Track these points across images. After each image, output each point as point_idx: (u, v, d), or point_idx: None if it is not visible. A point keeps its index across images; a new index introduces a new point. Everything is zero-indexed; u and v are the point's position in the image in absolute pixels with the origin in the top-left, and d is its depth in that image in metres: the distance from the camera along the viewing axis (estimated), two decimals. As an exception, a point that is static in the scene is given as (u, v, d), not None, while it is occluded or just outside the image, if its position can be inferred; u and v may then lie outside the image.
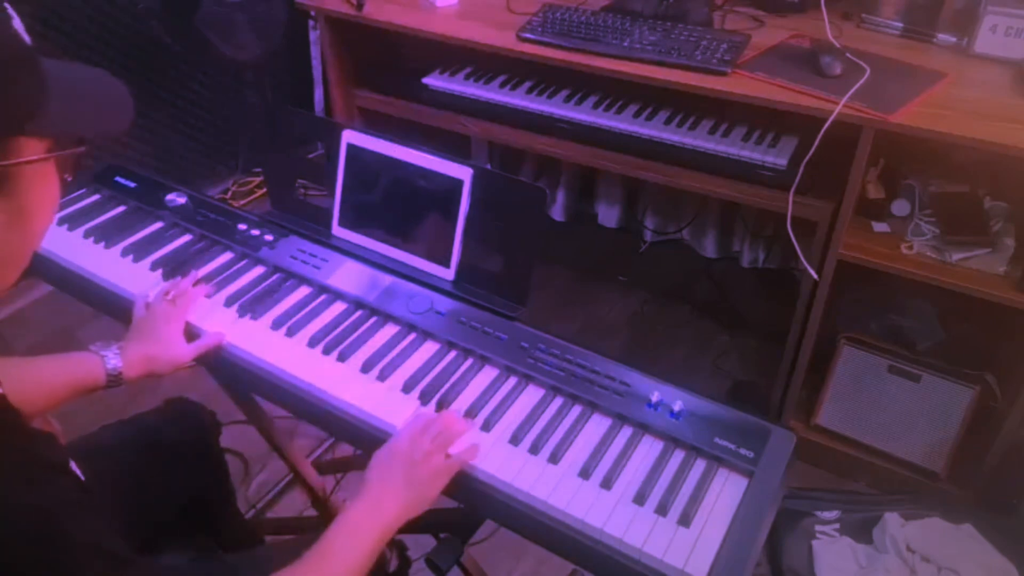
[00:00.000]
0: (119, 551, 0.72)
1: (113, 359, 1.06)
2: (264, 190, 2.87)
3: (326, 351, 1.10)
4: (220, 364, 1.14)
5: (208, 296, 1.19)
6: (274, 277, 1.23)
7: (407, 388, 1.05)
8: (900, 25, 1.81)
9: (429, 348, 1.11)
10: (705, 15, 1.88)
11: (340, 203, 1.27)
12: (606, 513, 0.89)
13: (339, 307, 1.18)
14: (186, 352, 1.10)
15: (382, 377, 1.06)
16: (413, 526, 0.94)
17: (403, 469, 0.92)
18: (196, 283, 1.19)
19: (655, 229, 2.70)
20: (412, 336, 1.12)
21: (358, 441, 1.06)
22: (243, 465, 1.98)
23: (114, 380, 1.06)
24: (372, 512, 0.90)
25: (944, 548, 1.58)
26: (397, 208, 1.23)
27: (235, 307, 1.17)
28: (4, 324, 2.36)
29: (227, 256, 1.28)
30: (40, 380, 1.03)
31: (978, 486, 1.75)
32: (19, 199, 0.68)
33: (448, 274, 1.20)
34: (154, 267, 1.25)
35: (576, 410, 1.02)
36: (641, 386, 1.02)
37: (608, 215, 2.77)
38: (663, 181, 1.84)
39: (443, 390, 1.04)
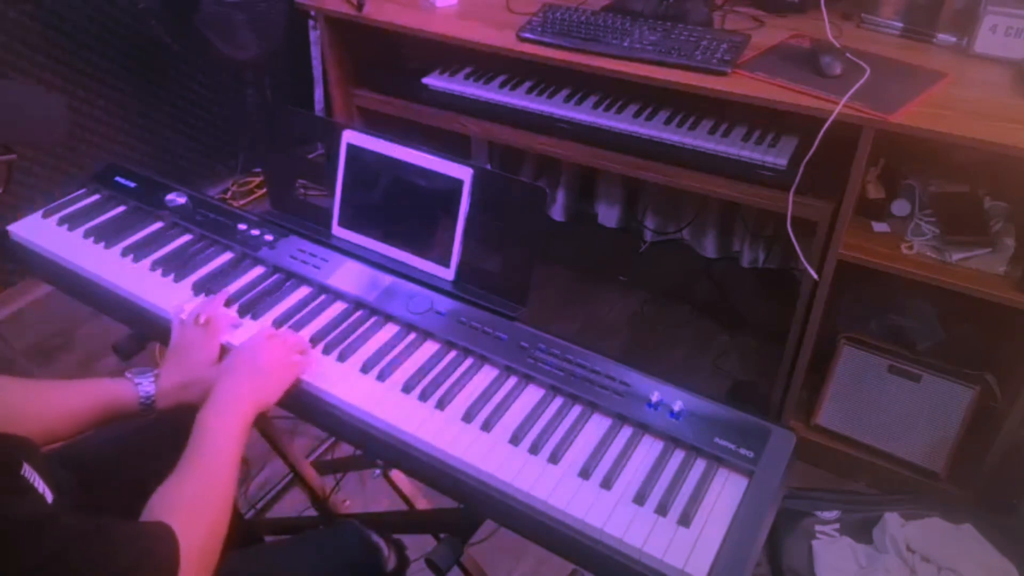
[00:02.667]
0: (34, 516, 0.72)
1: (147, 386, 1.04)
2: (264, 190, 2.87)
3: (326, 351, 1.10)
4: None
5: (235, 326, 1.15)
6: (274, 277, 1.23)
7: (407, 388, 1.04)
8: (900, 25, 1.81)
9: (429, 348, 1.11)
10: (705, 15, 1.88)
11: (340, 203, 1.27)
12: (606, 513, 0.89)
13: (339, 307, 1.18)
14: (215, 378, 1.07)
15: (382, 377, 1.06)
16: (413, 526, 0.94)
17: (248, 368, 1.00)
18: (227, 303, 1.17)
19: (655, 229, 2.70)
20: (412, 336, 1.12)
21: (358, 441, 1.06)
22: (243, 465, 1.98)
23: (146, 407, 1.04)
24: (226, 411, 0.96)
25: (944, 548, 1.58)
26: (397, 208, 1.23)
27: (235, 307, 1.17)
28: (4, 324, 2.37)
29: (227, 256, 1.28)
30: (68, 406, 1.02)
31: (978, 486, 1.75)
32: None
33: (448, 274, 1.20)
34: (154, 267, 1.25)
35: (576, 410, 1.02)
36: (641, 386, 1.02)
37: (608, 215, 2.78)
38: (663, 181, 1.84)
39: (443, 390, 1.04)
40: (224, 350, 1.11)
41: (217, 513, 0.88)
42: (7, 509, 0.71)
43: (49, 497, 0.79)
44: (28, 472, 0.77)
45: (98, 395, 1.03)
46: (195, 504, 0.86)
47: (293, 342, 1.07)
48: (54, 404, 1.02)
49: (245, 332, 1.14)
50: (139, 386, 1.04)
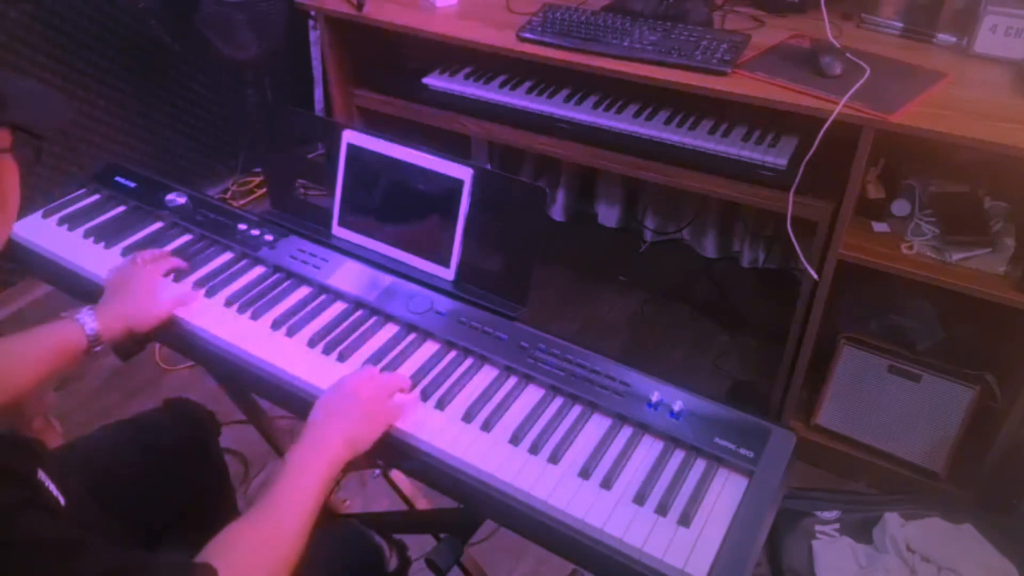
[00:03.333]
0: (68, 538, 0.71)
1: (90, 322, 1.07)
2: (264, 190, 2.87)
3: (326, 351, 1.10)
4: (220, 364, 1.14)
5: (176, 278, 1.20)
6: (274, 277, 1.23)
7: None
8: (900, 25, 1.81)
9: (429, 348, 1.11)
10: (705, 15, 1.88)
11: (340, 203, 1.27)
12: (606, 513, 0.89)
13: (339, 307, 1.18)
14: (163, 304, 1.11)
15: (382, 377, 1.06)
16: (413, 526, 0.94)
17: (346, 407, 0.95)
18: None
19: (655, 229, 2.70)
20: (412, 336, 1.12)
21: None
22: (243, 465, 1.98)
23: (94, 342, 1.07)
24: (316, 449, 0.92)
25: (944, 548, 1.58)
26: (397, 208, 1.23)
27: (235, 307, 1.17)
28: (4, 324, 2.36)
29: (227, 256, 1.28)
30: (20, 355, 1.04)
31: (978, 486, 1.75)
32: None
33: (448, 274, 1.20)
34: (154, 267, 1.25)
35: (576, 410, 1.02)
36: (641, 386, 1.02)
37: (608, 215, 2.78)
38: (663, 181, 1.84)
39: (443, 390, 1.04)
40: (184, 329, 1.14)
41: (281, 559, 0.83)
42: (35, 527, 0.70)
43: (62, 501, 0.80)
44: (42, 476, 0.77)
45: (48, 340, 1.06)
46: (256, 547, 0.83)
47: (393, 384, 1.01)
48: (9, 357, 1.03)
49: (213, 312, 1.15)
50: (82, 323, 1.06)
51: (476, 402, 1.02)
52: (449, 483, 0.97)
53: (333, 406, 0.96)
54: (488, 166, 2.18)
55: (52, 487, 0.78)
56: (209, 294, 1.20)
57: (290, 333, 1.13)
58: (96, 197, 1.40)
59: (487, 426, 0.99)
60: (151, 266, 1.17)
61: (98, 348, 1.08)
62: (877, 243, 1.68)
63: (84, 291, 1.25)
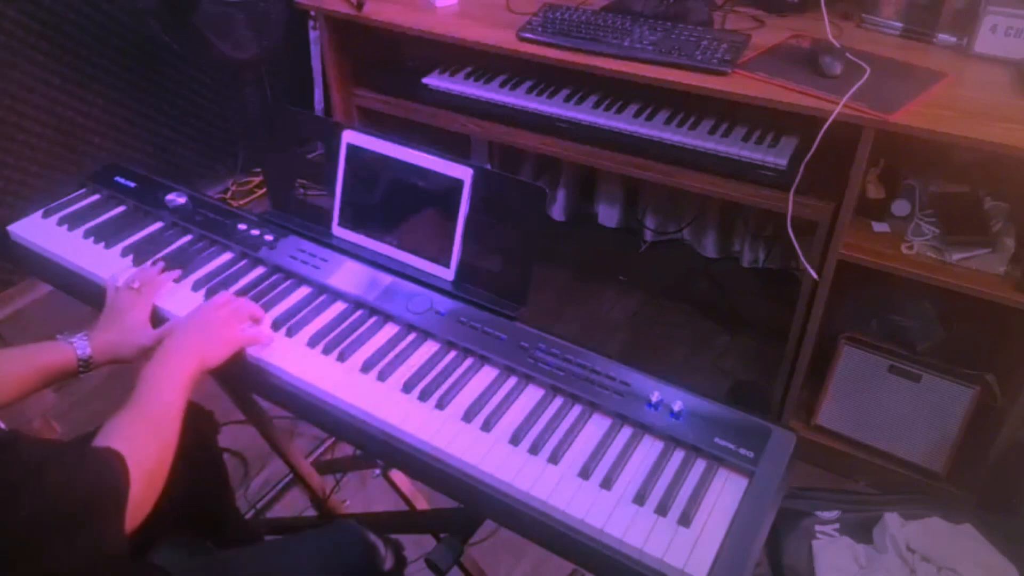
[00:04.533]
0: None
1: (83, 347, 1.09)
2: (264, 190, 2.87)
3: (326, 351, 1.10)
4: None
5: (176, 280, 1.22)
6: (274, 277, 1.23)
7: (407, 388, 1.04)
8: (900, 25, 1.81)
9: (429, 348, 1.11)
10: (705, 15, 1.88)
11: (340, 203, 1.27)
12: (606, 513, 0.89)
13: (339, 307, 1.18)
14: (150, 337, 1.13)
15: (382, 377, 1.06)
16: (413, 526, 0.94)
17: (199, 322, 1.06)
18: (163, 270, 1.22)
19: (655, 229, 2.70)
20: (412, 336, 1.12)
21: (358, 441, 1.06)
22: (243, 465, 1.98)
23: (84, 366, 1.09)
24: (171, 356, 1.00)
25: (944, 548, 1.58)
26: (397, 208, 1.23)
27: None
28: (4, 324, 2.37)
29: (227, 256, 1.28)
30: (9, 370, 1.05)
31: (978, 486, 1.75)
32: None
33: (448, 274, 1.20)
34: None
35: (576, 410, 1.02)
36: (641, 386, 1.02)
37: (608, 215, 2.78)
38: (663, 181, 1.84)
39: (443, 390, 1.04)
40: (157, 314, 1.15)
41: (162, 448, 0.92)
42: None
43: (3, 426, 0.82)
44: None
45: (39, 359, 1.08)
46: (141, 437, 0.90)
47: (246, 310, 1.11)
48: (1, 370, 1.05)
49: (181, 298, 1.18)
50: (76, 347, 1.09)
51: (476, 402, 1.02)
52: (449, 483, 0.97)
53: (185, 326, 1.06)
54: (488, 166, 2.18)
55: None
56: (209, 295, 1.20)
57: (290, 333, 1.13)
58: (96, 197, 1.40)
59: (487, 426, 0.99)
60: (147, 292, 1.17)
61: (85, 373, 1.10)
62: (877, 243, 1.68)
63: (84, 291, 1.25)
